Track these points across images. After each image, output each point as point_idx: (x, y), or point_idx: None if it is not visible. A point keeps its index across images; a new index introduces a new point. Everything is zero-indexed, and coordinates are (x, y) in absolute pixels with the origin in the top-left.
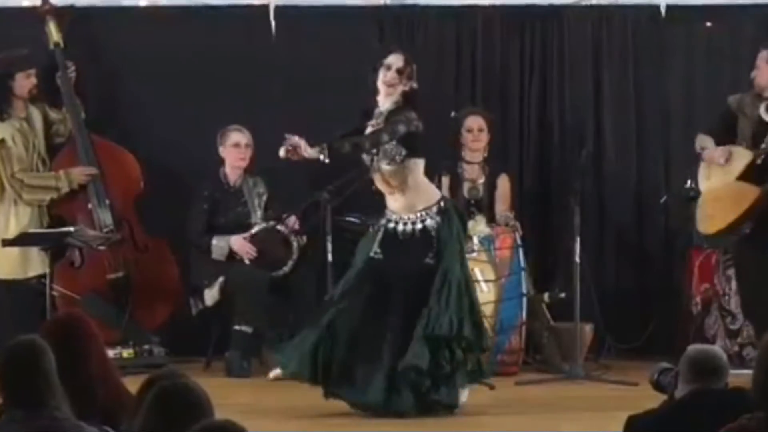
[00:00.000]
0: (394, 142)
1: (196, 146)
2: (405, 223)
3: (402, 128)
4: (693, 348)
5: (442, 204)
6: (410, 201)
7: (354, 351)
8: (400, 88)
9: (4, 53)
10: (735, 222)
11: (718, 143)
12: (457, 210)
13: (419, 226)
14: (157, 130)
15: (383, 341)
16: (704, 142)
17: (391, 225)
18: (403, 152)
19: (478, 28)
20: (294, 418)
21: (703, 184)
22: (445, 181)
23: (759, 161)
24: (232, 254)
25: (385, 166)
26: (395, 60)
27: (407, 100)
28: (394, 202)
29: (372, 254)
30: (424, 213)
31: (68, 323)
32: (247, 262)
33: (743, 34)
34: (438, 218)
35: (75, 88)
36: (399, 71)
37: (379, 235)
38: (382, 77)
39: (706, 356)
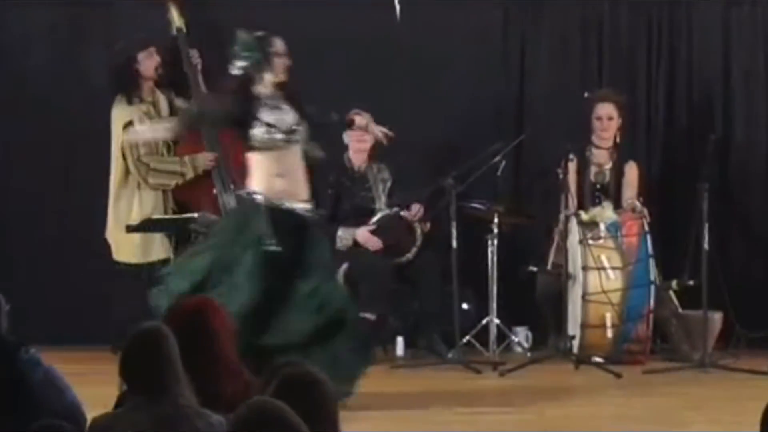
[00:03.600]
0: None
1: (321, 131)
2: None
3: None
4: None
5: None
6: None
7: None
8: None
9: (122, 41)
10: None
11: None
12: None
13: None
14: None
15: None
16: None
17: None
18: None
19: (604, 10)
20: (416, 406)
21: None
22: (572, 166)
23: None
24: (355, 243)
25: None
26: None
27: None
28: None
29: None
30: None
31: (195, 311)
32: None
33: None
34: None
35: (204, 78)
36: None
37: None
38: None
39: None
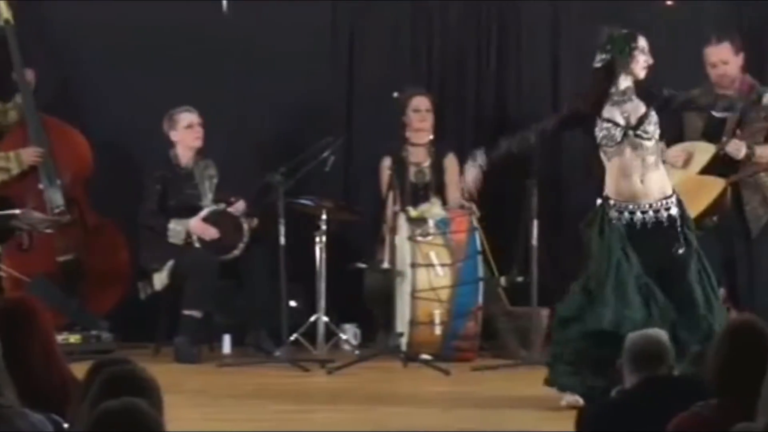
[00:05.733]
0: None
1: (147, 126)
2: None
3: None
4: (632, 335)
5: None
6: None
7: None
8: None
9: None
10: (699, 216)
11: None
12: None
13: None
14: (107, 109)
15: None
16: None
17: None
18: None
19: (433, 8)
20: (243, 405)
21: None
22: (387, 162)
23: (721, 153)
24: (187, 234)
25: None
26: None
27: None
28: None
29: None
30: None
31: (14, 308)
32: (197, 245)
33: (705, 12)
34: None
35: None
36: None
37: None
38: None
39: (646, 342)
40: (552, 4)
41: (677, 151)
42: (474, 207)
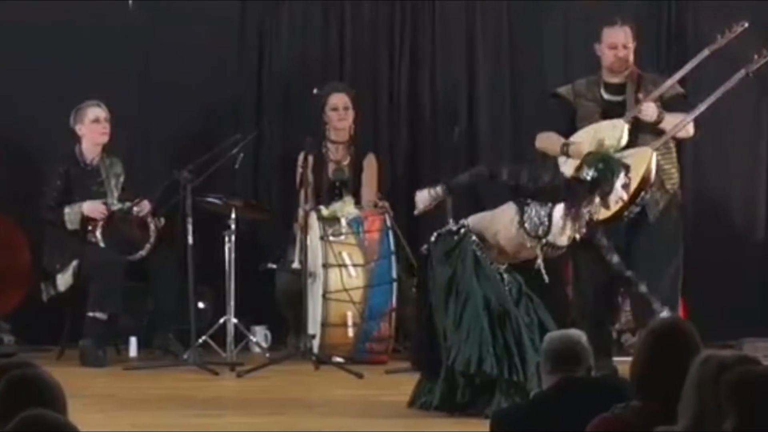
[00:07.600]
0: None
1: (49, 121)
2: None
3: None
4: (549, 336)
5: None
6: None
7: None
8: None
9: None
10: (636, 192)
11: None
12: None
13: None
14: (7, 106)
15: None
16: (551, 138)
17: None
18: None
19: (346, 4)
20: (150, 409)
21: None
22: (301, 158)
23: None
24: (85, 234)
25: None
26: None
27: None
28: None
29: None
30: None
31: None
32: (102, 244)
33: (624, 12)
34: None
35: None
36: None
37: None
38: None
39: (563, 342)
40: (466, 4)
41: (585, 141)
42: (388, 206)
